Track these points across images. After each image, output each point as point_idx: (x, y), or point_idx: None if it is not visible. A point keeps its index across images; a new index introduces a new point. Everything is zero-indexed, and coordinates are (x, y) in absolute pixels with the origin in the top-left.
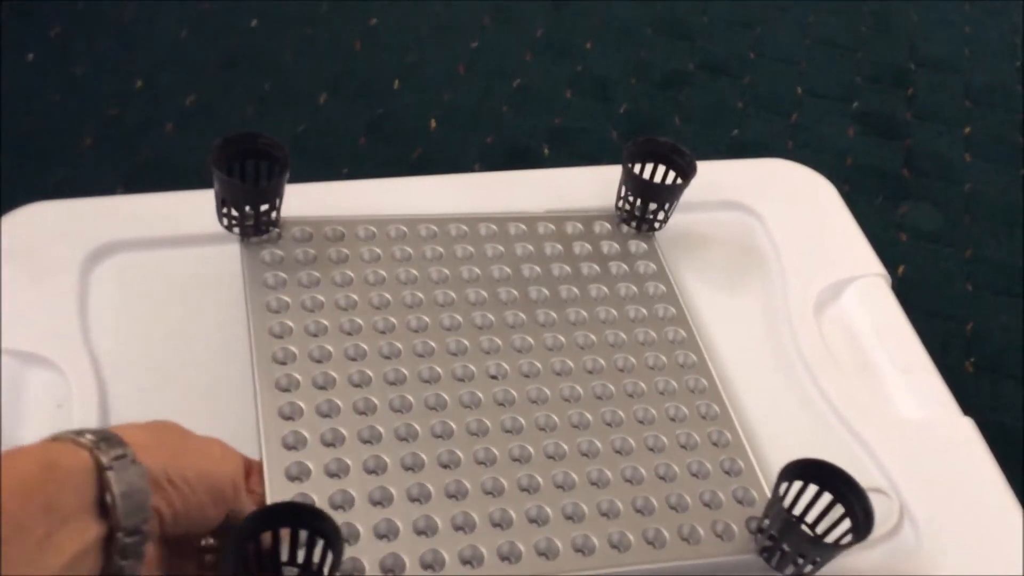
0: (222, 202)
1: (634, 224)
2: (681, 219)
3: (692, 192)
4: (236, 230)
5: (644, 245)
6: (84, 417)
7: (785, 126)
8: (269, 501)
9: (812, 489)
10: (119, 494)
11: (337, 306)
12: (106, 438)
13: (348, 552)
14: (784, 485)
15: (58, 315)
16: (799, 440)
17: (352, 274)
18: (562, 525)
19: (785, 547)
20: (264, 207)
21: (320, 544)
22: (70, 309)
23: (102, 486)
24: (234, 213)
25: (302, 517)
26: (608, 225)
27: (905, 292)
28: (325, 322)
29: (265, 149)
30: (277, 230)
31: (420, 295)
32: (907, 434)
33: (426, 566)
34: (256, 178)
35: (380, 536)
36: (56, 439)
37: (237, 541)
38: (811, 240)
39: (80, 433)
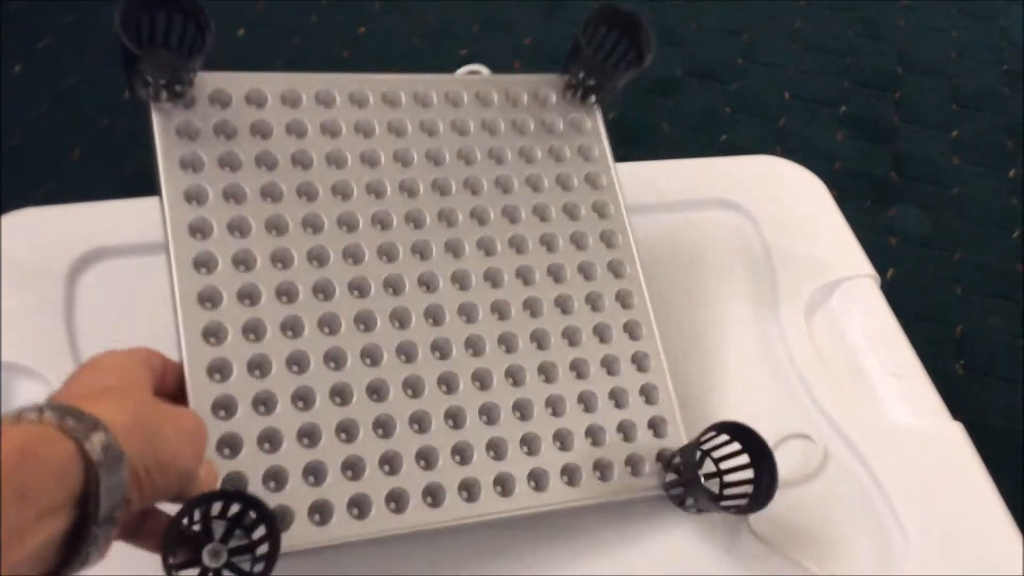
0: (129, 62)
1: (579, 94)
2: (669, 217)
3: (681, 189)
4: (147, 93)
5: (587, 119)
6: None
7: (774, 131)
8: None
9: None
10: (104, 491)
11: (262, 195)
12: (93, 426)
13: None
14: (708, 435)
15: (44, 325)
16: (787, 445)
17: (277, 155)
18: (485, 464)
19: (689, 499)
20: (185, 72)
21: (253, 519)
22: (56, 318)
23: (86, 480)
24: (147, 79)
25: (239, 500)
26: (553, 93)
27: (895, 295)
28: (248, 217)
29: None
30: (191, 90)
31: (351, 183)
32: (896, 439)
33: (352, 504)
34: (167, 37)
35: (308, 475)
36: (39, 422)
37: (176, 525)
38: (801, 239)
39: (61, 413)
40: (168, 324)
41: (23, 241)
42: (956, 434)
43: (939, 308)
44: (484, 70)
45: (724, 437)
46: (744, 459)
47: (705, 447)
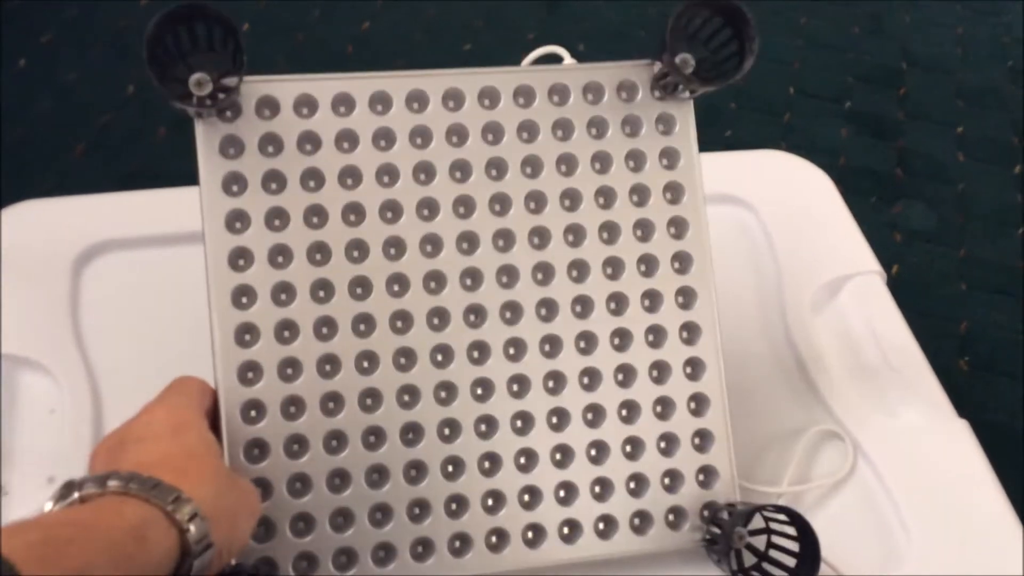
0: (165, 72)
1: (671, 87)
2: None
3: None
4: (190, 103)
5: (677, 118)
6: (77, 423)
7: (778, 126)
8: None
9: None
10: None
11: (306, 219)
12: (192, 514)
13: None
14: (770, 512)
15: (49, 317)
16: (793, 444)
17: (325, 172)
18: (516, 513)
19: (725, 565)
20: (230, 80)
21: None
22: (61, 311)
23: (178, 566)
24: (195, 88)
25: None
26: (641, 86)
27: (899, 292)
28: (290, 245)
29: (204, 17)
30: (237, 100)
31: (402, 203)
32: (901, 436)
33: (378, 550)
34: (210, 42)
35: (335, 527)
36: (147, 501)
37: None
38: (807, 235)
39: (165, 495)
40: (170, 316)
41: (27, 233)
42: (961, 432)
43: (943, 304)
44: (564, 54)
45: (783, 517)
46: (793, 547)
47: (766, 515)
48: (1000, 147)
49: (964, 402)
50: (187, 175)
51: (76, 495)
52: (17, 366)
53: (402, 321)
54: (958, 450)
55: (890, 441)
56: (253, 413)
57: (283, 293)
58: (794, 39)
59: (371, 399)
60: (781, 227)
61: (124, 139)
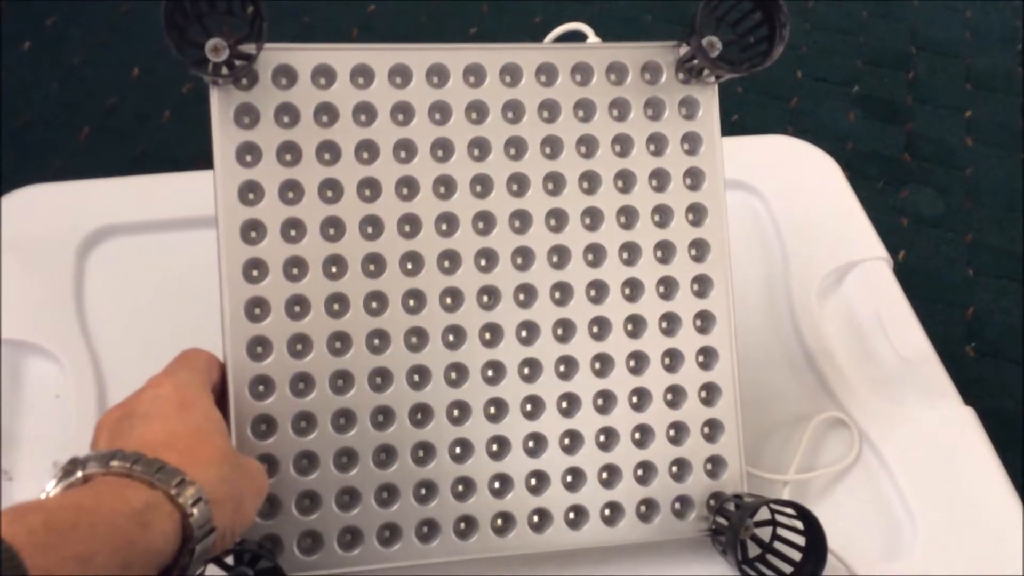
0: (179, 32)
1: (697, 70)
2: None
3: None
4: (206, 69)
5: (701, 103)
6: (82, 409)
7: (785, 111)
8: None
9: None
10: (193, 563)
11: (321, 194)
12: (196, 498)
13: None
14: (778, 506)
15: (54, 303)
16: (798, 431)
17: (341, 146)
18: (523, 496)
19: (730, 556)
20: (248, 47)
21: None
22: (66, 296)
23: (179, 549)
24: (211, 54)
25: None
26: (665, 68)
27: (906, 277)
28: (304, 220)
29: None
30: (254, 68)
31: (418, 180)
32: (907, 424)
33: (384, 527)
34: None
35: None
36: (154, 485)
37: None
38: (815, 221)
39: (169, 477)
40: (175, 301)
41: (32, 218)
42: (967, 419)
43: (950, 290)
44: (588, 31)
45: (790, 511)
46: (799, 540)
47: (773, 508)
48: (1009, 132)
49: (970, 389)
50: (192, 159)
51: (80, 474)
52: (22, 351)
53: (415, 300)
54: (963, 437)
55: (896, 428)
56: (261, 389)
57: (295, 268)
58: (801, 22)
59: (381, 379)
60: (787, 213)
61: (129, 122)
